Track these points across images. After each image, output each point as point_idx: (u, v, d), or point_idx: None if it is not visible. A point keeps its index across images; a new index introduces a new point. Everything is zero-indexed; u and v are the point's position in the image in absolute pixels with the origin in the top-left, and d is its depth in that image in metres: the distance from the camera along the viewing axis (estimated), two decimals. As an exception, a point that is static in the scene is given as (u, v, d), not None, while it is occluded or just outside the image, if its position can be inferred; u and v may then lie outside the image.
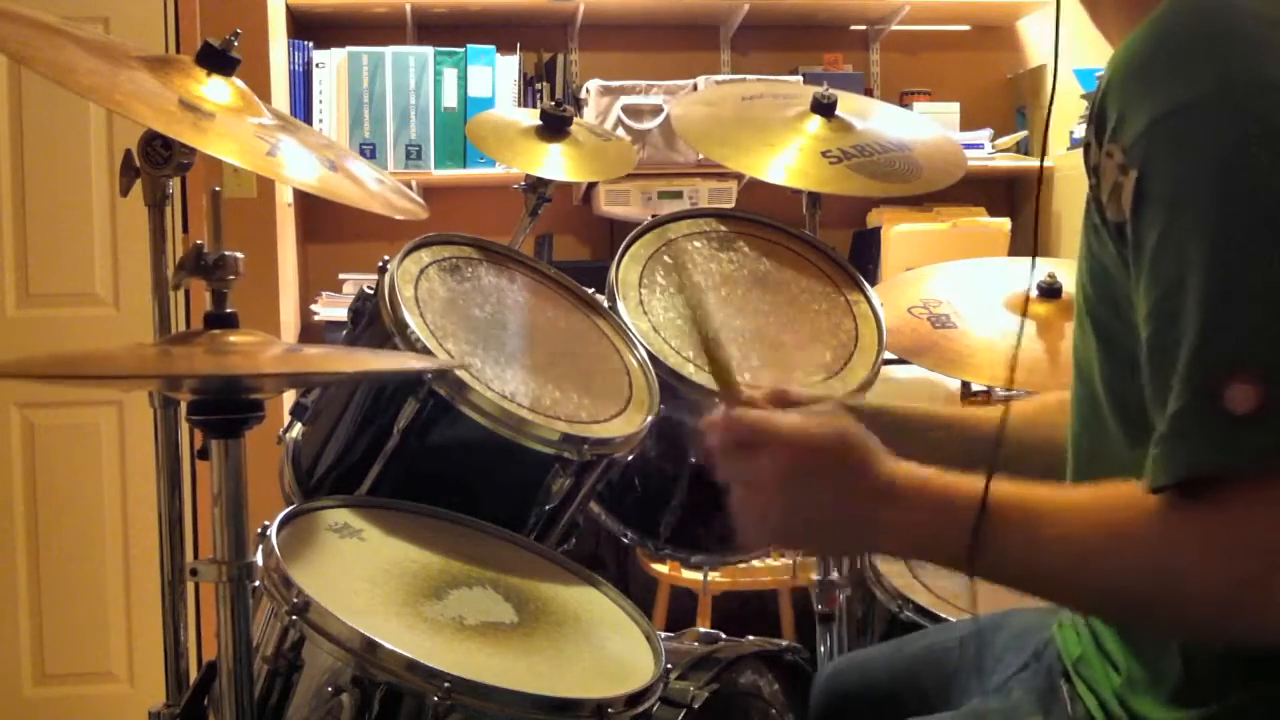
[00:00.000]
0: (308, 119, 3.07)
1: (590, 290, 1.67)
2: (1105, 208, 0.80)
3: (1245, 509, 0.72)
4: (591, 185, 3.18)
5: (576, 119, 1.98)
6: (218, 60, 1.32)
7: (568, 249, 3.36)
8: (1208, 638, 0.81)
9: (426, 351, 1.37)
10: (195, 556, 2.39)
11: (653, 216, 1.75)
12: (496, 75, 3.16)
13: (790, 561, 2.35)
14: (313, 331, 3.12)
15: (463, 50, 3.14)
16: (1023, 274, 1.89)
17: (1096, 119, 0.80)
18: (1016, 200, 3.51)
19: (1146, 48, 0.78)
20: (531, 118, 1.99)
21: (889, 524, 0.85)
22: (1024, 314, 1.65)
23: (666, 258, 1.71)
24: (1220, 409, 0.71)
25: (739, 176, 3.08)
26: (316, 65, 3.10)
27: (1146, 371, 0.77)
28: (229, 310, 1.10)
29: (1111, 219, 0.80)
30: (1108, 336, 0.85)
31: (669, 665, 1.23)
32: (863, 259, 3.14)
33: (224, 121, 1.28)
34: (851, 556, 1.38)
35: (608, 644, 1.24)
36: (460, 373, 1.35)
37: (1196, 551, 0.73)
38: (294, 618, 1.09)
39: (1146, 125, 0.76)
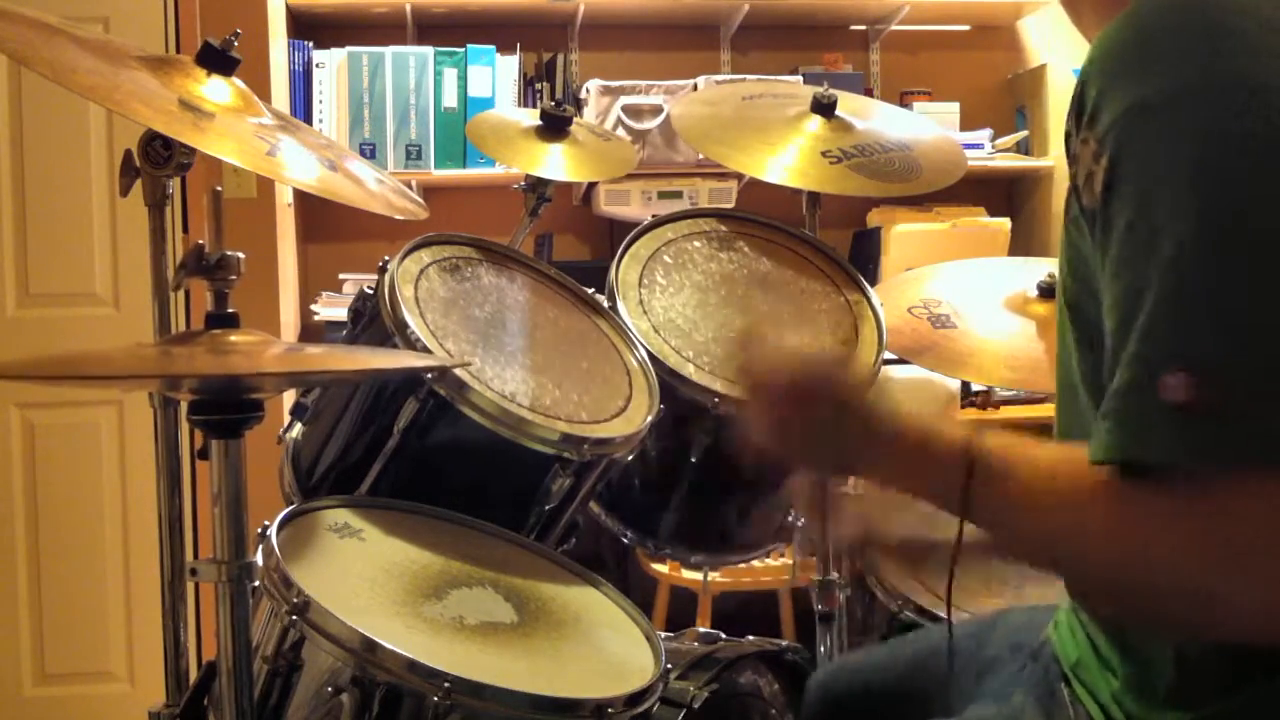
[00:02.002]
0: (308, 119, 3.07)
1: (590, 290, 1.67)
2: (1081, 195, 0.81)
3: (1175, 503, 0.73)
4: (591, 185, 3.18)
5: (576, 119, 1.98)
6: (218, 60, 1.32)
7: (568, 249, 3.35)
8: (1149, 623, 0.83)
9: (426, 351, 1.37)
10: (195, 556, 2.39)
11: (653, 216, 1.75)
12: (496, 75, 3.16)
13: (790, 561, 2.35)
14: (313, 331, 3.12)
15: (463, 50, 3.14)
16: (1024, 274, 1.89)
17: (1075, 107, 0.81)
18: (1016, 200, 3.51)
19: (1124, 37, 0.79)
20: (531, 118, 1.98)
21: (876, 455, 0.91)
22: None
23: (666, 258, 1.71)
24: (1156, 398, 0.72)
25: (739, 176, 3.08)
26: (316, 65, 3.10)
27: (1108, 358, 0.77)
28: (230, 310, 1.11)
29: (1087, 206, 0.81)
30: (1085, 328, 0.86)
31: (669, 665, 1.23)
32: (863, 259, 3.14)
33: (224, 121, 1.28)
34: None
35: (608, 644, 1.24)
36: (460, 372, 1.35)
37: (1123, 531, 0.75)
38: (294, 618, 1.09)
39: (1120, 113, 0.76)
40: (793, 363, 0.97)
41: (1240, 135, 0.73)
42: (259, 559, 1.12)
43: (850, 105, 1.94)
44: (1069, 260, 0.87)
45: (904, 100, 3.37)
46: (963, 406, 2.78)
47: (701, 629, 1.49)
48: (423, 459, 1.40)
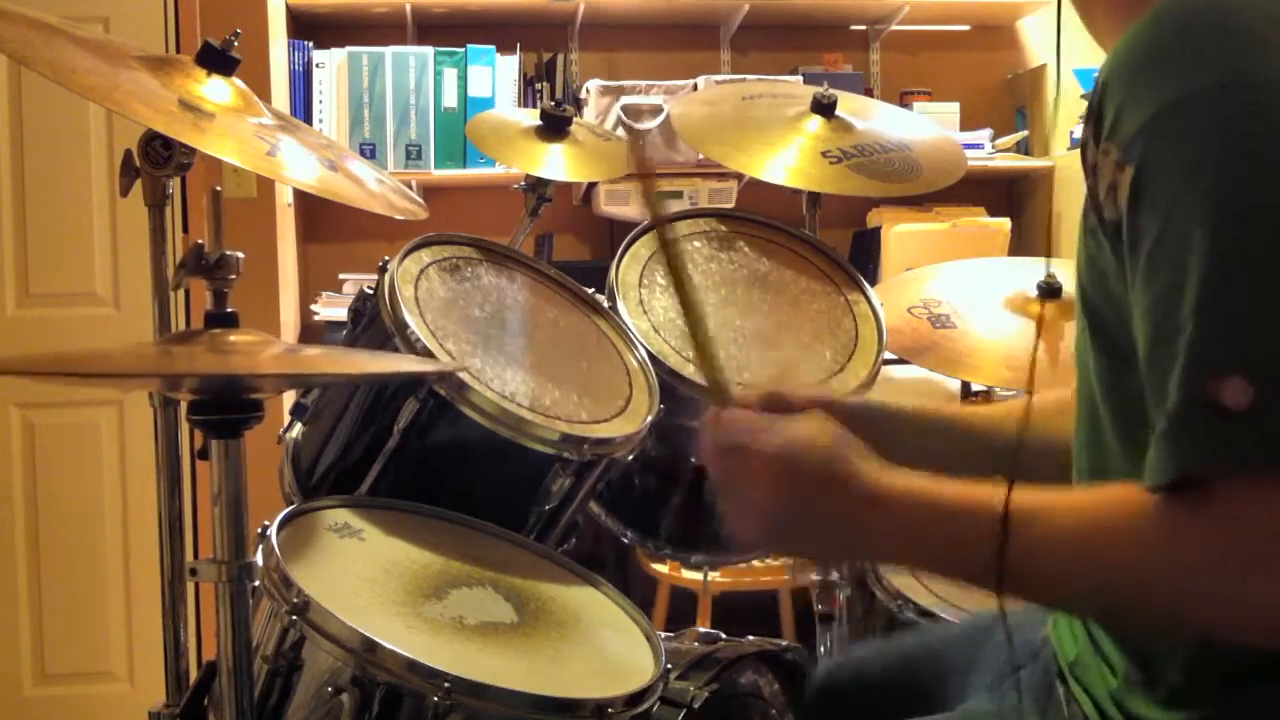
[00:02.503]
0: (308, 119, 3.07)
1: (590, 290, 1.67)
2: (1102, 205, 0.80)
3: (1236, 509, 0.71)
4: (591, 185, 3.18)
5: (576, 119, 1.98)
6: (218, 60, 1.32)
7: (568, 249, 3.35)
8: (1204, 638, 0.81)
9: (426, 351, 1.37)
10: (195, 556, 2.39)
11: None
12: (496, 75, 3.16)
13: (790, 561, 2.36)
14: (313, 331, 3.12)
15: (463, 50, 3.14)
16: (1023, 274, 1.89)
17: (1094, 116, 0.80)
18: (1016, 200, 3.51)
19: (1144, 44, 0.78)
20: (531, 118, 1.99)
21: (879, 532, 0.86)
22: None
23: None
24: (1213, 408, 0.71)
25: (739, 176, 3.08)
26: (316, 65, 3.10)
27: (1145, 370, 0.76)
28: (229, 310, 1.10)
29: (1108, 217, 0.80)
30: (1105, 338, 0.85)
31: (669, 665, 1.23)
32: (863, 259, 3.14)
33: (224, 121, 1.28)
34: (845, 562, 1.39)
35: (608, 644, 1.24)
36: (460, 373, 1.35)
37: (1189, 552, 0.73)
38: (294, 618, 1.09)
39: (1144, 122, 0.75)
40: (772, 435, 0.88)
41: (1264, 135, 0.72)
42: (259, 559, 1.12)
43: (850, 105, 1.94)
44: (1087, 272, 0.86)
45: (904, 100, 3.37)
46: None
47: (701, 629, 1.49)
48: (423, 459, 1.40)
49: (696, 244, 1.75)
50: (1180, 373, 0.73)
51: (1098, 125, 0.80)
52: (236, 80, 1.34)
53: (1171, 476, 0.73)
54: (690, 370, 1.55)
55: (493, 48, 3.16)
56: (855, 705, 1.24)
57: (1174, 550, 0.74)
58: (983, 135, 3.32)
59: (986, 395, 2.75)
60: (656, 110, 3.06)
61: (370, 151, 3.08)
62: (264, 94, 1.73)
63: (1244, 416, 0.70)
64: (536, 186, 1.98)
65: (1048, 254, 2.99)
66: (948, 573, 0.86)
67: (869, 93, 3.39)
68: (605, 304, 1.63)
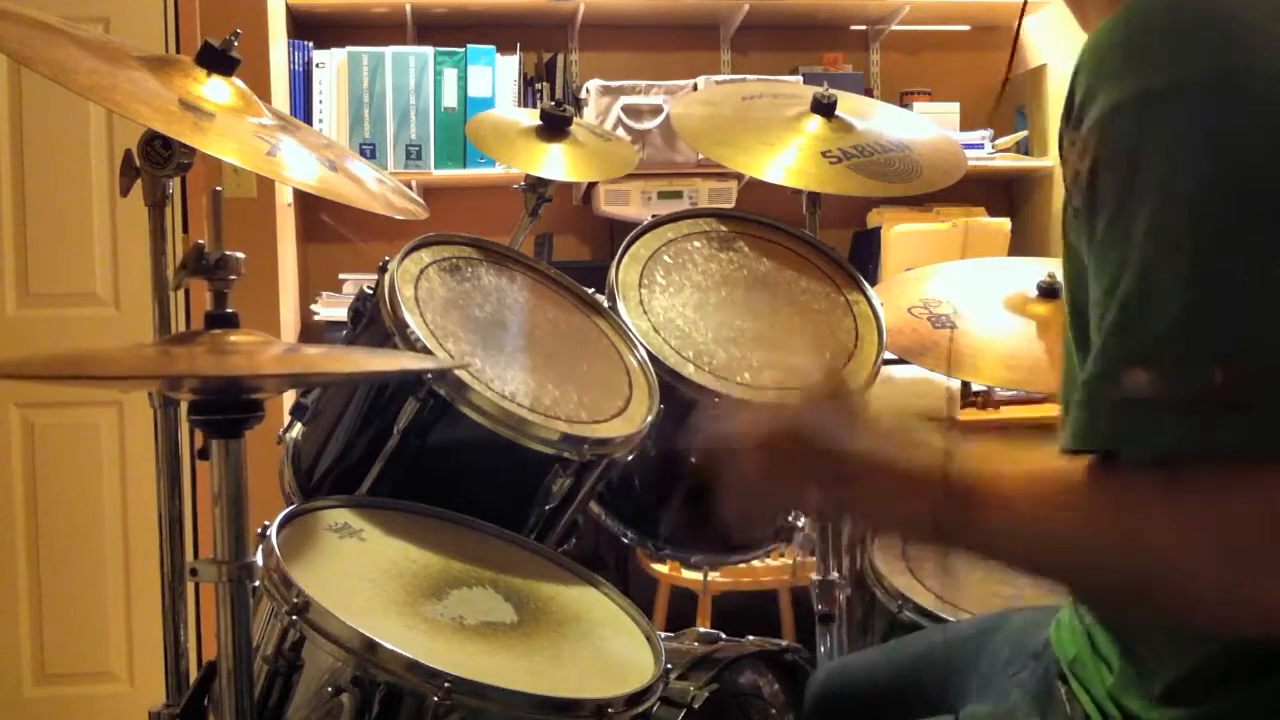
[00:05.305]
0: (308, 119, 3.07)
1: (590, 290, 1.67)
2: (1073, 195, 0.81)
3: (1142, 493, 0.73)
4: (591, 185, 3.18)
5: (576, 119, 1.98)
6: (218, 60, 1.32)
7: (568, 249, 3.35)
8: (1158, 618, 0.82)
9: (426, 351, 1.37)
10: (195, 556, 2.39)
11: (653, 216, 1.75)
12: (496, 75, 3.16)
13: (790, 561, 2.36)
14: (313, 331, 3.12)
15: (463, 50, 3.14)
16: (1024, 274, 1.88)
17: (1066, 104, 0.82)
18: (1016, 200, 3.51)
19: (1114, 34, 0.79)
20: (531, 118, 1.98)
21: (861, 488, 0.88)
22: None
23: (666, 258, 1.71)
24: (1117, 386, 0.72)
25: (739, 176, 3.08)
26: (316, 65, 3.10)
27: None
28: (229, 310, 1.10)
29: (1078, 206, 0.81)
30: (1081, 326, 0.86)
31: (669, 665, 1.23)
32: (863, 259, 3.14)
33: (224, 121, 1.28)
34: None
35: (608, 644, 1.24)
36: (460, 373, 1.35)
37: (1097, 515, 0.75)
38: (294, 618, 1.09)
39: (1102, 113, 0.77)
40: (772, 415, 0.93)
41: (1221, 130, 0.73)
42: (259, 559, 1.12)
43: (850, 105, 1.94)
44: (1068, 259, 0.88)
45: (904, 100, 3.37)
46: (963, 407, 2.78)
47: (701, 629, 1.49)
48: (423, 459, 1.40)
49: (696, 244, 1.75)
50: (1097, 350, 0.75)
51: (1069, 111, 0.81)
52: (236, 80, 1.34)
53: (1074, 445, 0.75)
54: (690, 370, 1.55)
55: (493, 48, 3.16)
56: (856, 708, 1.24)
57: (1090, 512, 0.76)
58: (983, 135, 3.32)
59: (987, 395, 2.75)
60: (656, 110, 3.06)
61: (370, 151, 3.08)
62: (264, 94, 1.73)
63: (1145, 400, 0.71)
64: (536, 186, 1.98)
65: (1045, 254, 3.00)
66: (922, 540, 0.89)
67: (869, 93, 3.39)
68: (605, 304, 1.63)
